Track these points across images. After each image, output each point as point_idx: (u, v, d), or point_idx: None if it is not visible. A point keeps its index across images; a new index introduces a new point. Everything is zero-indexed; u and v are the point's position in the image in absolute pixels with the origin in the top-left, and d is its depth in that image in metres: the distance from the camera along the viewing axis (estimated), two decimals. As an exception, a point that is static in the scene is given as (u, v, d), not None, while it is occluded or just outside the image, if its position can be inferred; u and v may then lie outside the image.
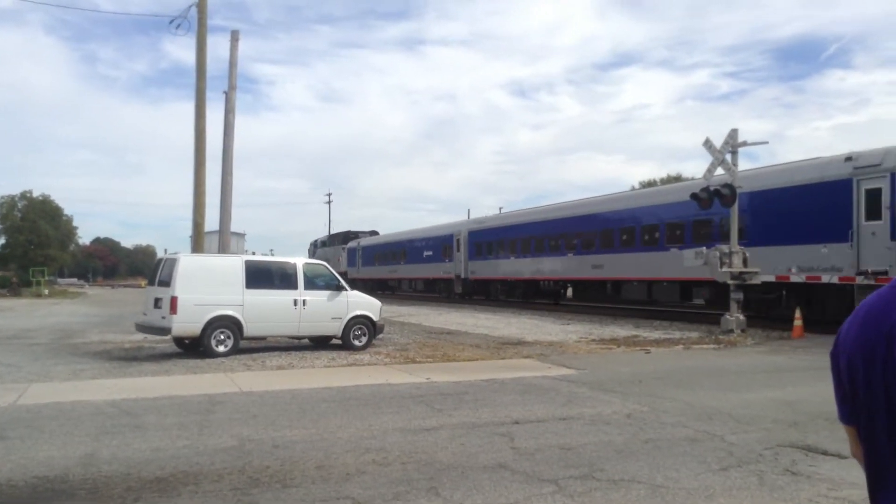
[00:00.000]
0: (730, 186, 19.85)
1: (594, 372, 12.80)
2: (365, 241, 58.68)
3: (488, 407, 9.37)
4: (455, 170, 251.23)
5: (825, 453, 6.84)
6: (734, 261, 19.63)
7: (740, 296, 19.87)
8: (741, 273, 19.71)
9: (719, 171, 20.61)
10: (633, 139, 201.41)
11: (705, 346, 17.45)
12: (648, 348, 16.85)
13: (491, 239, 39.73)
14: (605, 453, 6.91)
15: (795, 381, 11.48)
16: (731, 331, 19.32)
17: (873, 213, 19.36)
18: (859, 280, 18.77)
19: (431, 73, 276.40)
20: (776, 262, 21.46)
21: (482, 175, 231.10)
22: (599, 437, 7.64)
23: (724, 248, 19.77)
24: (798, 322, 18.77)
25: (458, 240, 42.90)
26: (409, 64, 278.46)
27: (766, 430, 7.88)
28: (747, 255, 20.01)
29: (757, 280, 20.02)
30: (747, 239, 21.95)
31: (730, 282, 19.72)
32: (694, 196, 20.56)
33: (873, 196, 19.39)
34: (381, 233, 60.18)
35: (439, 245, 45.42)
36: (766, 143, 20.06)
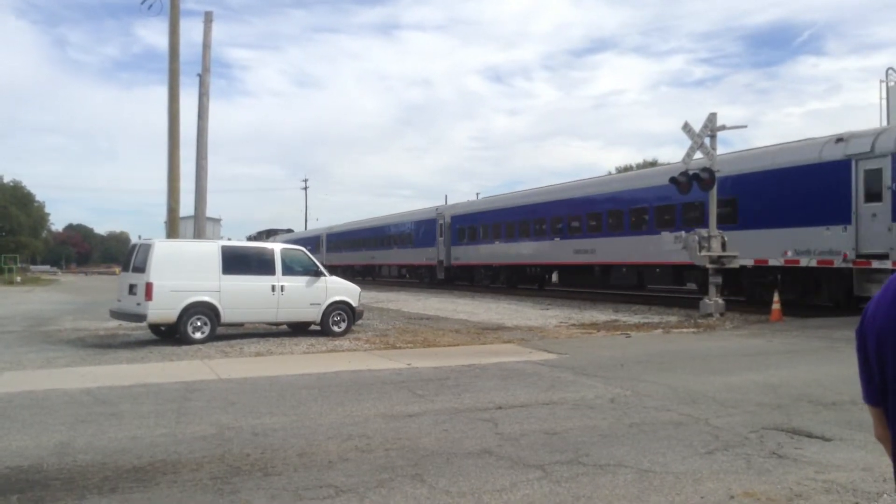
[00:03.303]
0: (708, 170, 19.90)
1: (576, 356, 12.76)
2: (279, 238, 74.64)
3: (471, 392, 9.28)
4: (431, 156, 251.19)
5: (810, 436, 6.82)
6: (713, 245, 19.70)
7: (719, 279, 19.95)
8: (720, 257, 19.79)
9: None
10: (609, 125, 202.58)
11: (685, 329, 17.49)
12: (629, 332, 16.87)
13: (338, 240, 62.12)
14: (591, 438, 6.84)
15: (777, 363, 11.50)
16: (711, 314, 19.42)
17: (441, 235, 43.41)
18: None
19: (406, 58, 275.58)
20: (420, 257, 46.41)
21: (458, 161, 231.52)
22: (584, 421, 7.57)
23: (704, 232, 19.83)
24: (776, 306, 18.87)
25: (322, 239, 64.92)
26: (384, 49, 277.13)
27: (750, 413, 7.85)
28: (726, 239, 20.11)
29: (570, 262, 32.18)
30: (413, 244, 47.53)
31: (708, 265, 19.80)
32: (673, 180, 20.60)
33: (441, 227, 43.35)
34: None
35: (314, 242, 64.56)
36: (745, 126, 20.28)
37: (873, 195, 19.20)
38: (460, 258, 41.56)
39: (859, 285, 18.89)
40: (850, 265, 18.88)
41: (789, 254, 20.67)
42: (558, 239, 32.29)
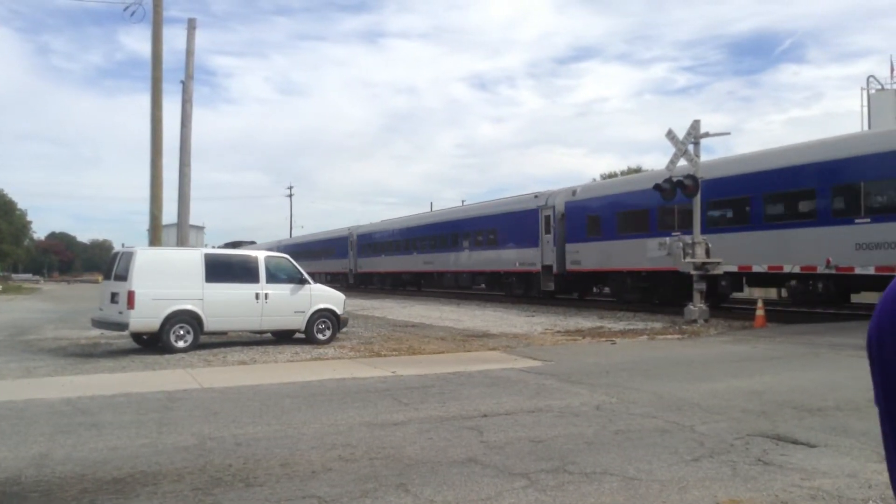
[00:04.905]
0: (692, 177, 19.97)
1: (561, 363, 12.72)
2: (243, 249, 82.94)
3: (456, 400, 9.22)
4: (417, 163, 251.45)
5: (795, 442, 6.81)
6: (697, 251, 19.76)
7: (703, 286, 20.00)
8: (703, 263, 19.85)
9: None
10: (593, 132, 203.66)
11: (669, 336, 17.51)
12: (614, 339, 16.86)
13: (285, 251, 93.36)
14: (576, 446, 6.81)
15: (761, 370, 11.52)
16: (695, 321, 19.44)
17: (352, 249, 55.16)
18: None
19: (391, 66, 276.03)
20: (338, 266, 57.60)
21: (444, 168, 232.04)
22: (569, 429, 7.54)
23: (688, 238, 19.89)
24: (760, 312, 18.94)
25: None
26: (369, 57, 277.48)
27: (735, 419, 7.84)
28: (709, 245, 20.19)
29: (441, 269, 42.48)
30: (335, 255, 59.05)
31: (693, 272, 19.84)
32: (657, 187, 20.65)
33: (352, 243, 55.32)
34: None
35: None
36: (729, 133, 21.30)
37: (548, 230, 31.59)
38: (363, 268, 54.04)
39: (544, 283, 31.70)
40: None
41: (518, 265, 33.73)
42: (416, 254, 45.15)
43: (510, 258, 34.38)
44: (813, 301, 21.60)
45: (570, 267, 30.18)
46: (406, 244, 46.80)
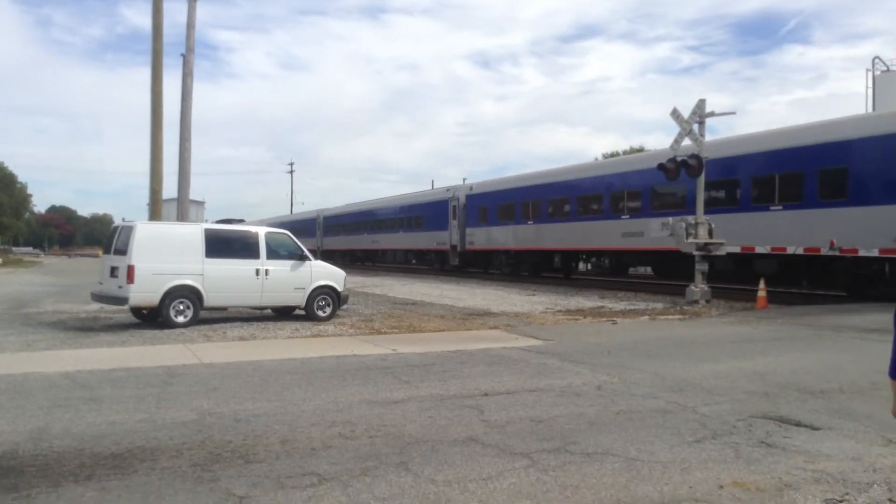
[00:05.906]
0: (696, 157, 19.83)
1: (562, 343, 12.68)
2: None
3: (456, 378, 9.18)
4: (419, 140, 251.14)
5: (798, 424, 6.76)
6: (700, 232, 19.67)
7: (705, 266, 19.94)
8: (706, 244, 19.77)
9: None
10: (597, 111, 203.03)
11: (671, 316, 17.47)
12: (615, 319, 16.82)
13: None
14: (578, 426, 6.76)
15: (763, 351, 11.48)
16: (696, 301, 19.40)
17: (319, 229, 64.18)
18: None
19: (394, 42, 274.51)
20: (307, 244, 69.40)
21: (446, 146, 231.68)
22: (571, 408, 7.49)
23: (690, 219, 19.79)
24: (762, 293, 18.89)
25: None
26: (371, 32, 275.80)
27: (738, 401, 7.79)
28: (713, 226, 20.12)
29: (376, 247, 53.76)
30: (304, 235, 57.00)
31: (695, 252, 19.77)
32: (661, 166, 20.53)
33: (319, 224, 64.70)
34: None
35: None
36: (734, 113, 21.55)
37: (455, 216, 40.24)
38: (328, 246, 61.68)
39: (452, 259, 40.77)
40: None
41: (435, 244, 42.45)
42: (366, 234, 54.07)
43: (430, 239, 43.49)
44: (602, 273, 33.03)
45: (468, 247, 39.44)
46: (359, 226, 55.98)
